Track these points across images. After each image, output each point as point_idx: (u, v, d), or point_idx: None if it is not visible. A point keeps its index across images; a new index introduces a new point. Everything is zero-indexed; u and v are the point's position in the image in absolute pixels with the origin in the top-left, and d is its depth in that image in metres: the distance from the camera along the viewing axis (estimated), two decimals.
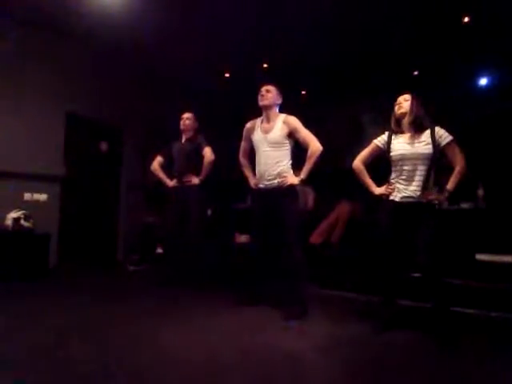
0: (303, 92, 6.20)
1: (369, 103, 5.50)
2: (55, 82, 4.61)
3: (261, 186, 2.98)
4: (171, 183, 3.80)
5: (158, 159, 3.94)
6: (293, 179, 2.86)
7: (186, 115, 3.84)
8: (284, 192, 2.85)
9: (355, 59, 5.05)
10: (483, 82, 5.23)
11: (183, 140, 3.84)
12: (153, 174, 3.96)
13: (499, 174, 4.48)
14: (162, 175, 3.90)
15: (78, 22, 4.28)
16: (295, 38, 4.58)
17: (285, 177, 2.86)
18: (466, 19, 4.10)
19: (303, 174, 2.87)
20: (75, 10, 4.04)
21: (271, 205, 2.89)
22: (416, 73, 5.33)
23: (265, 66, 5.30)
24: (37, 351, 2.03)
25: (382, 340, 2.37)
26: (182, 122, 3.83)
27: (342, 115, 5.99)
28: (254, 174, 3.08)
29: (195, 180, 3.70)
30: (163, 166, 3.93)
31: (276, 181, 2.88)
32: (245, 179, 3.21)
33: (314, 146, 2.85)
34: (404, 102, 2.54)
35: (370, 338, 2.39)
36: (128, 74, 5.46)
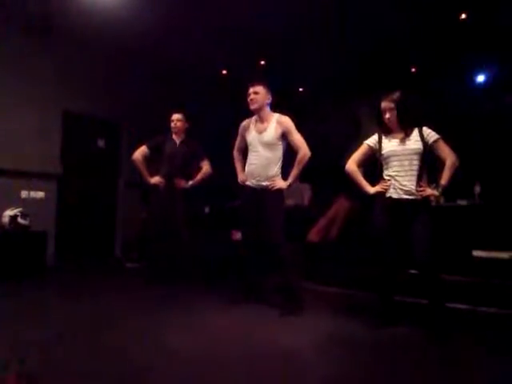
0: (301, 89, 6.19)
1: (367, 100, 5.49)
2: (52, 79, 4.58)
3: (248, 183, 3.01)
4: (153, 180, 3.68)
5: (143, 150, 3.72)
6: (281, 183, 2.90)
7: (176, 116, 3.75)
8: (271, 194, 2.90)
9: (353, 55, 5.04)
10: (481, 78, 5.24)
11: (177, 142, 3.77)
12: (133, 163, 3.75)
13: (496, 171, 4.50)
14: (143, 169, 3.71)
15: (75, 20, 4.25)
16: (292, 34, 4.56)
17: (273, 181, 2.90)
18: (464, 16, 4.10)
19: (290, 179, 2.93)
20: (71, 7, 4.01)
21: (258, 203, 2.93)
22: (413, 70, 5.33)
23: (262, 62, 5.29)
24: (36, 349, 2.03)
25: (378, 336, 2.38)
26: (172, 124, 3.74)
27: (340, 112, 5.98)
28: (245, 169, 3.08)
29: (185, 184, 3.69)
30: (146, 159, 3.73)
31: (264, 183, 2.92)
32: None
33: (304, 151, 2.89)
34: (389, 113, 2.54)
35: (367, 335, 2.40)
36: (125, 71, 5.42)
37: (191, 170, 3.78)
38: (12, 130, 4.23)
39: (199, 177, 3.76)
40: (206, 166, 3.78)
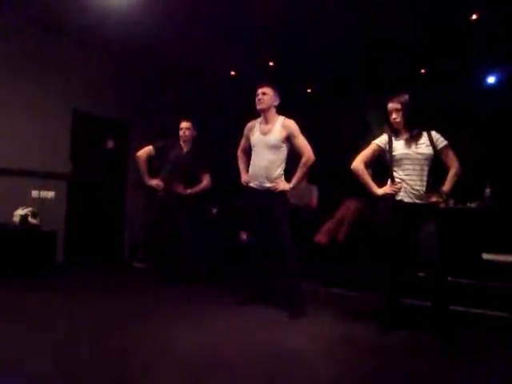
0: (309, 90, 6.18)
1: (376, 101, 5.46)
2: (62, 80, 4.64)
3: (252, 185, 3.01)
4: (152, 182, 3.70)
5: (149, 150, 3.73)
6: (284, 186, 2.91)
7: (185, 125, 3.77)
8: (274, 195, 2.90)
9: (362, 56, 5.01)
10: (491, 80, 5.17)
11: (184, 150, 3.79)
12: (136, 161, 3.77)
13: (506, 173, 4.44)
14: (144, 168, 3.72)
15: (84, 21, 4.29)
16: (300, 34, 4.55)
17: (276, 182, 2.90)
18: (475, 16, 4.06)
19: (294, 181, 2.94)
20: (81, 8, 4.06)
21: (262, 205, 2.94)
22: (423, 71, 5.28)
23: (271, 63, 5.29)
24: (42, 348, 2.06)
25: (383, 340, 2.37)
26: (181, 133, 3.76)
27: (348, 112, 5.95)
28: (248, 170, 3.09)
29: (183, 191, 3.75)
30: (150, 159, 3.75)
31: (267, 185, 2.92)
32: None
33: (308, 155, 2.90)
34: (395, 114, 2.54)
35: (372, 338, 2.39)
36: (135, 72, 5.46)
37: (192, 179, 3.85)
38: (22, 129, 4.28)
39: (198, 188, 3.84)
40: (206, 181, 3.86)
